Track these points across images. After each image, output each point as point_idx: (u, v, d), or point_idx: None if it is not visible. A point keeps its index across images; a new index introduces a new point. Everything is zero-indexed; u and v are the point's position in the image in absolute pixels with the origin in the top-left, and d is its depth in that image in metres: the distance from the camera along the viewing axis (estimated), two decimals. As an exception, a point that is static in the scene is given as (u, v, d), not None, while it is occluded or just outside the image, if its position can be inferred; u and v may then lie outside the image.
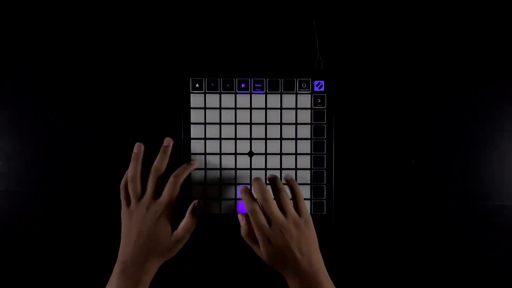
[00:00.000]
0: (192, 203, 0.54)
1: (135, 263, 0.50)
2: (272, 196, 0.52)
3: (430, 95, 0.60)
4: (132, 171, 0.54)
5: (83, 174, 0.59)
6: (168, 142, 0.55)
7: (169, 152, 0.55)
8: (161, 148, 0.55)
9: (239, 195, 0.58)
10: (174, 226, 0.53)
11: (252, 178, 0.55)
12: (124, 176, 0.55)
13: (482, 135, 0.60)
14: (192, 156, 0.58)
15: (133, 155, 0.54)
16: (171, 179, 0.53)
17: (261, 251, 0.51)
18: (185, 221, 0.53)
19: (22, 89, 0.60)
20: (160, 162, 0.54)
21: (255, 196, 0.52)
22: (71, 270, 0.60)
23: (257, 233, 0.50)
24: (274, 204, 0.51)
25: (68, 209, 0.60)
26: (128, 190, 0.54)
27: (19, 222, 0.60)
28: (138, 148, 0.55)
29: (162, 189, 0.53)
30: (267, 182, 0.55)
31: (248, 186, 0.55)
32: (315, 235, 0.53)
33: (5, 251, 0.60)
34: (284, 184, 0.54)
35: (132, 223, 0.52)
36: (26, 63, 0.60)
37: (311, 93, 0.58)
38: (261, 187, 0.51)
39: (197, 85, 0.58)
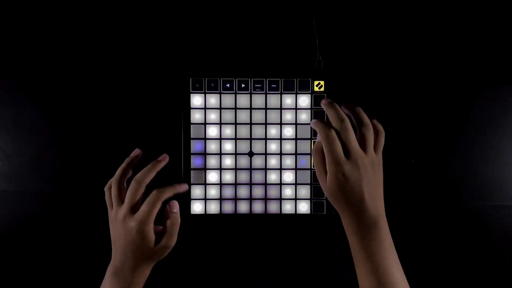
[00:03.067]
0: (168, 206, 0.51)
1: (126, 266, 0.49)
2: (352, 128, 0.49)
3: (430, 95, 0.60)
4: (118, 173, 0.51)
5: (83, 174, 0.59)
6: (163, 158, 0.53)
7: (158, 168, 0.52)
8: (153, 161, 0.52)
9: (239, 195, 0.58)
10: (159, 233, 0.50)
11: (324, 103, 0.51)
12: (111, 179, 0.52)
13: (483, 135, 0.60)
14: (193, 157, 0.58)
15: (126, 159, 0.53)
16: (153, 193, 0.49)
17: (329, 181, 0.48)
18: (165, 226, 0.50)
19: (22, 89, 0.60)
20: (144, 174, 0.50)
21: (332, 122, 0.49)
22: (71, 270, 0.60)
23: (330, 162, 0.47)
24: (353, 135, 0.48)
25: (68, 209, 0.60)
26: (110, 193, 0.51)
27: (19, 222, 0.60)
28: (134, 153, 0.53)
29: (142, 202, 0.49)
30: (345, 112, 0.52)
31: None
32: (382, 177, 0.50)
33: (5, 251, 0.60)
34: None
35: (116, 229, 0.50)
36: (26, 63, 0.59)
37: (311, 93, 0.58)
38: (340, 115, 0.49)
39: (197, 85, 0.58)
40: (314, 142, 0.58)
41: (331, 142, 0.47)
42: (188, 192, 0.58)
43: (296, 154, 0.58)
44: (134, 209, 0.49)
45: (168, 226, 0.50)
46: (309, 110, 0.58)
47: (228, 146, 0.58)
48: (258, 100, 0.58)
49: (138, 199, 0.49)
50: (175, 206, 0.52)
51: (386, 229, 0.48)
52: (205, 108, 0.58)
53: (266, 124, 0.58)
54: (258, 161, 0.58)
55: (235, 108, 0.58)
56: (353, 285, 0.60)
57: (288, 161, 0.58)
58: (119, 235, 0.49)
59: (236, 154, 0.59)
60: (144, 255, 0.49)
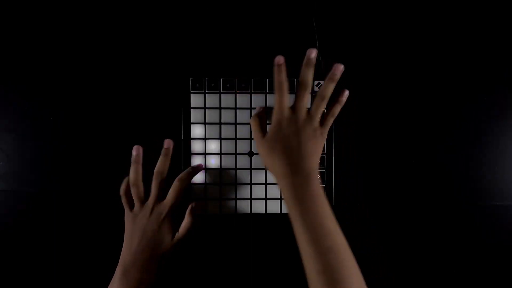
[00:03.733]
0: (190, 205, 0.55)
1: (136, 265, 0.50)
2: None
3: (430, 95, 0.60)
4: (134, 174, 0.54)
5: (83, 174, 0.59)
6: (168, 144, 0.55)
7: (170, 154, 0.55)
8: (162, 150, 0.55)
9: (239, 195, 0.58)
10: (176, 228, 0.53)
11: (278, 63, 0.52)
12: (124, 182, 0.55)
13: (483, 135, 0.60)
14: (193, 156, 0.58)
15: (132, 158, 0.54)
16: (175, 182, 0.53)
17: (270, 130, 0.51)
18: (185, 222, 0.54)
19: (22, 89, 0.60)
20: (162, 165, 0.54)
21: (299, 80, 0.51)
22: (72, 271, 0.60)
23: (276, 111, 0.50)
24: (307, 99, 0.51)
25: (68, 209, 0.60)
26: (128, 195, 0.54)
27: (19, 222, 0.60)
28: (137, 151, 0.55)
29: (166, 192, 0.54)
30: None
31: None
32: (321, 150, 0.52)
33: (5, 251, 0.60)
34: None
35: (136, 226, 0.52)
36: (26, 63, 0.59)
37: (311, 93, 0.58)
38: (308, 77, 0.51)
39: (197, 85, 0.58)
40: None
41: (282, 93, 0.50)
42: (188, 192, 0.58)
43: (296, 154, 0.58)
44: (160, 198, 0.53)
45: (188, 223, 0.54)
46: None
47: (228, 146, 0.58)
48: (258, 100, 0.58)
49: (162, 189, 0.54)
50: (199, 207, 0.56)
51: (318, 184, 0.49)
52: (205, 108, 0.58)
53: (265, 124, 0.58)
54: (258, 161, 0.58)
55: (235, 108, 0.58)
56: (353, 285, 0.60)
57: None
58: (139, 229, 0.52)
59: (236, 154, 0.59)
60: (159, 247, 0.51)
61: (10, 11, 0.59)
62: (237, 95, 0.58)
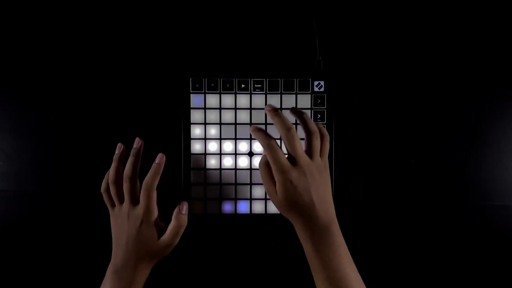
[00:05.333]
0: (178, 206, 0.52)
1: (126, 265, 0.50)
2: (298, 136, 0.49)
3: (430, 95, 0.60)
4: (113, 173, 0.52)
5: (83, 174, 0.59)
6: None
7: (139, 155, 0.53)
8: (132, 150, 0.53)
9: (239, 195, 0.58)
10: (163, 230, 0.51)
11: (268, 110, 0.51)
12: (104, 180, 0.54)
13: (483, 134, 0.60)
14: (193, 156, 0.58)
15: (114, 156, 0.53)
16: (143, 186, 0.51)
17: (278, 192, 0.48)
18: (172, 226, 0.51)
19: (22, 89, 0.60)
20: (130, 168, 0.51)
21: (279, 130, 0.49)
22: (71, 270, 0.60)
23: (277, 172, 0.47)
24: (300, 143, 0.48)
25: (68, 209, 0.60)
26: (109, 193, 0.52)
27: (19, 222, 0.60)
28: (119, 149, 0.54)
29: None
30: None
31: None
32: (330, 182, 0.51)
33: (5, 251, 0.60)
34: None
35: (119, 228, 0.51)
36: (26, 63, 0.59)
37: (311, 93, 0.58)
38: (286, 123, 0.48)
39: (197, 85, 0.58)
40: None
41: (274, 152, 0.48)
42: (188, 192, 0.58)
43: (296, 154, 0.58)
44: (134, 202, 0.51)
45: (174, 226, 0.51)
46: (309, 110, 0.58)
47: (228, 146, 0.58)
48: (258, 100, 0.58)
49: (136, 192, 0.51)
50: (184, 207, 0.52)
51: (339, 234, 0.48)
52: (205, 108, 0.58)
53: (266, 124, 0.58)
54: (258, 161, 0.58)
55: (235, 108, 0.58)
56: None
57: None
58: (122, 231, 0.50)
59: (236, 154, 0.59)
60: (147, 250, 0.50)
61: (10, 11, 0.59)
62: (237, 95, 0.58)
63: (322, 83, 0.58)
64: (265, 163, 0.49)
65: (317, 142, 0.50)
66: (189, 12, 0.60)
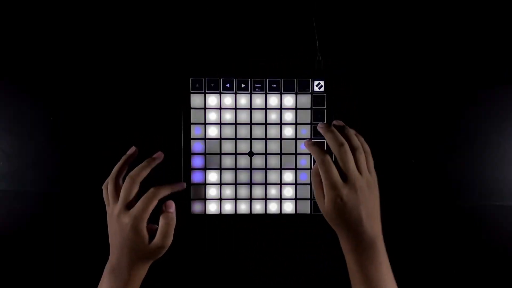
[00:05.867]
0: (164, 206, 0.51)
1: (123, 264, 0.49)
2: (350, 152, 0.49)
3: (430, 95, 0.60)
4: (114, 172, 0.52)
5: (83, 174, 0.59)
6: (158, 155, 0.53)
7: (153, 165, 0.52)
8: (148, 158, 0.53)
9: (239, 195, 0.58)
10: (153, 234, 0.50)
11: (321, 127, 0.52)
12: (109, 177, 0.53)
13: (483, 134, 0.60)
14: (193, 157, 0.58)
15: (123, 157, 0.53)
16: (150, 190, 0.50)
17: (327, 205, 0.48)
18: (161, 226, 0.50)
19: (22, 89, 0.60)
20: (138, 172, 0.51)
21: (331, 146, 0.50)
22: (71, 270, 0.60)
23: (328, 188, 0.47)
24: (352, 159, 0.48)
25: (68, 209, 0.60)
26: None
27: (19, 222, 0.60)
28: (131, 151, 0.54)
29: (137, 199, 0.50)
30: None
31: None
32: (378, 196, 0.50)
33: (5, 251, 0.60)
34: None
35: (112, 227, 0.51)
36: (26, 63, 0.59)
37: (311, 93, 0.58)
38: (339, 139, 0.49)
39: (197, 85, 0.58)
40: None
41: (328, 168, 0.48)
42: (188, 192, 0.58)
43: (296, 154, 0.58)
44: (129, 205, 0.49)
45: (163, 226, 0.50)
46: (309, 110, 0.58)
47: (228, 146, 0.58)
48: (258, 100, 0.58)
49: (132, 196, 0.50)
50: (171, 206, 0.52)
51: (383, 251, 0.48)
52: (205, 108, 0.58)
53: (266, 124, 0.58)
54: (258, 161, 0.58)
55: (235, 108, 0.58)
56: (353, 285, 0.60)
57: (288, 161, 0.58)
58: (115, 232, 0.50)
59: (236, 154, 0.58)
60: (139, 253, 0.49)
61: (10, 11, 0.59)
62: (237, 95, 0.58)
63: (322, 83, 0.58)
64: (317, 172, 0.50)
65: (361, 156, 0.50)
66: (189, 12, 0.60)
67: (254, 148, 0.58)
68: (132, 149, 0.54)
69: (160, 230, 0.49)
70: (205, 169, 0.58)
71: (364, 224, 0.47)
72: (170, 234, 0.50)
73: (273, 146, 0.58)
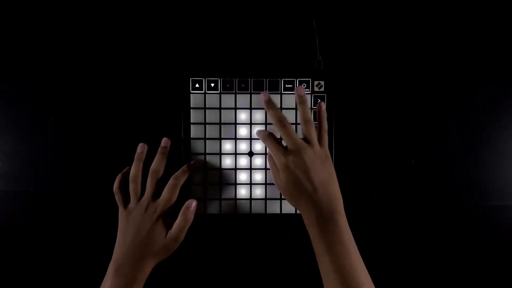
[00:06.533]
0: (186, 203, 0.53)
1: (130, 262, 0.50)
2: (290, 123, 0.52)
3: (430, 95, 0.60)
4: (135, 170, 0.54)
5: (83, 174, 0.59)
6: (165, 142, 0.55)
7: (167, 153, 0.55)
8: (159, 149, 0.55)
9: (239, 195, 0.58)
10: (170, 227, 0.53)
11: (263, 100, 0.54)
12: (117, 179, 0.55)
13: (483, 134, 0.60)
14: (193, 156, 0.58)
15: (136, 155, 0.55)
16: (171, 181, 0.54)
17: (282, 177, 0.50)
18: (178, 221, 0.52)
19: (22, 89, 0.60)
20: (158, 164, 0.54)
21: (271, 120, 0.52)
22: (71, 270, 0.60)
23: (276, 157, 0.50)
24: (292, 130, 0.51)
25: (68, 209, 0.60)
26: (122, 192, 0.54)
27: (19, 222, 0.60)
28: (142, 149, 0.55)
29: (161, 190, 0.53)
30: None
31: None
32: (334, 172, 0.52)
33: (5, 251, 0.60)
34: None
35: (130, 223, 0.52)
36: (26, 63, 0.60)
37: (311, 93, 0.58)
38: (277, 113, 0.52)
39: (197, 85, 0.58)
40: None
41: (269, 140, 0.52)
42: (188, 192, 0.58)
43: (296, 154, 0.58)
44: (155, 196, 0.53)
45: (181, 221, 0.52)
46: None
47: (228, 146, 0.58)
48: (258, 100, 0.58)
49: (157, 188, 0.54)
50: (193, 204, 0.54)
51: (346, 227, 0.49)
52: (205, 108, 0.58)
53: (266, 124, 0.58)
54: (258, 161, 0.58)
55: (235, 108, 0.58)
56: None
57: (288, 161, 0.58)
58: (133, 227, 0.52)
59: (236, 154, 0.58)
60: (152, 246, 0.51)
61: (10, 11, 0.59)
62: (237, 95, 0.58)
63: (322, 83, 0.58)
64: (270, 156, 0.53)
65: (311, 129, 0.52)
66: (189, 12, 0.60)
67: (254, 148, 0.58)
68: (141, 146, 0.55)
69: (177, 224, 0.52)
70: (205, 169, 0.58)
71: (319, 193, 0.49)
72: (185, 231, 0.52)
73: (273, 146, 0.58)
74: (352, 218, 0.60)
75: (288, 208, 0.59)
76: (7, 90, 0.60)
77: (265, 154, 0.58)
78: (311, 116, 0.53)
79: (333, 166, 0.52)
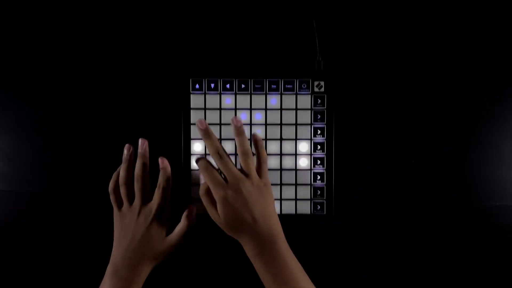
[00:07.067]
0: (188, 208, 0.54)
1: (127, 265, 0.50)
2: (227, 155, 0.51)
3: (429, 95, 0.60)
4: (123, 173, 0.53)
5: (83, 174, 0.59)
6: (141, 144, 0.54)
7: (147, 155, 0.54)
8: (138, 153, 0.54)
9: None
10: (169, 229, 0.53)
11: (200, 129, 0.52)
12: (112, 179, 0.54)
13: (482, 135, 0.60)
14: (193, 157, 0.58)
15: (123, 157, 0.54)
16: (160, 185, 0.53)
17: (219, 212, 0.49)
18: (181, 226, 0.53)
19: (22, 89, 0.60)
20: (140, 167, 0.53)
21: (210, 153, 0.51)
22: (71, 270, 0.60)
23: (213, 191, 0.49)
24: (230, 162, 0.50)
25: (68, 209, 0.60)
26: (117, 193, 0.53)
27: (19, 222, 0.60)
28: (128, 150, 0.54)
29: (152, 192, 0.53)
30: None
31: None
32: (273, 200, 0.52)
33: (5, 251, 0.60)
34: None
35: (124, 226, 0.52)
36: (26, 63, 0.59)
37: (311, 94, 0.58)
38: (214, 144, 0.50)
39: (197, 86, 0.58)
40: (313, 142, 0.58)
41: (209, 172, 0.49)
42: (188, 192, 0.58)
43: (296, 154, 0.58)
44: (146, 200, 0.52)
45: (183, 226, 0.53)
46: (309, 111, 0.58)
47: (228, 146, 0.58)
48: (258, 100, 0.58)
49: (147, 190, 0.53)
50: (194, 210, 0.54)
51: (287, 250, 0.50)
52: (205, 108, 0.58)
53: (266, 124, 0.58)
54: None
55: (235, 108, 0.58)
56: (353, 284, 0.60)
57: (288, 161, 0.58)
58: (129, 230, 0.51)
59: (236, 154, 0.58)
60: (150, 250, 0.51)
61: (10, 11, 0.59)
62: (237, 95, 0.58)
63: (322, 83, 0.58)
64: (205, 191, 0.50)
65: (250, 161, 0.51)
66: (189, 12, 0.60)
67: (254, 148, 0.58)
68: (127, 147, 0.54)
69: (179, 229, 0.52)
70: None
71: (259, 223, 0.48)
72: (182, 235, 0.53)
73: (273, 147, 0.58)
74: (352, 218, 0.60)
75: (288, 208, 0.59)
76: (7, 90, 0.60)
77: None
78: (249, 147, 0.51)
79: (272, 193, 0.52)
